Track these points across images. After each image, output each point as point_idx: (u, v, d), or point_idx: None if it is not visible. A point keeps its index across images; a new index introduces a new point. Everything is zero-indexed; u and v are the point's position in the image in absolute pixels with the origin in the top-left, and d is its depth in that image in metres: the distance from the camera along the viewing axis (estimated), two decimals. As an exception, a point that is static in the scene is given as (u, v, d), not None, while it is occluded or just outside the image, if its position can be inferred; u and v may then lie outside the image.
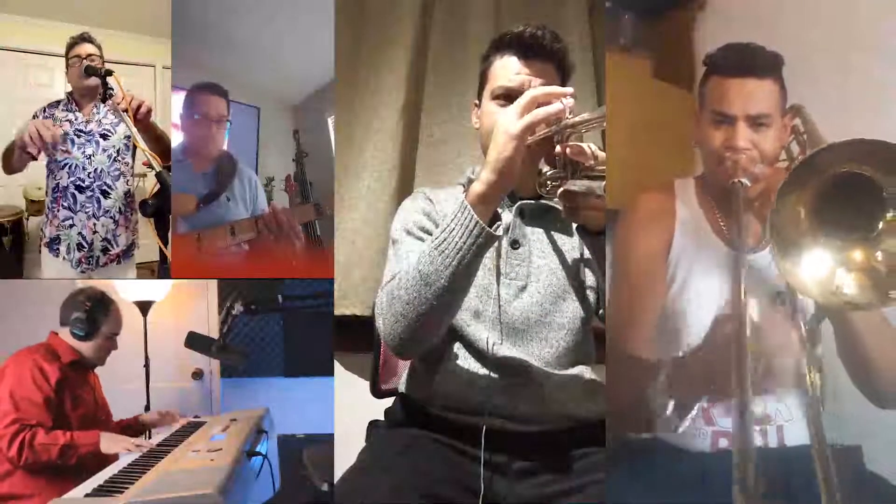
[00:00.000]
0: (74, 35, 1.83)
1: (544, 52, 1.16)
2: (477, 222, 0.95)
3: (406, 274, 1.02)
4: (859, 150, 0.91)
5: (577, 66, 1.26)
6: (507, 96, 1.15)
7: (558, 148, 0.98)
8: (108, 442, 1.52)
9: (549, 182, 1.04)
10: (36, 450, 1.44)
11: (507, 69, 1.17)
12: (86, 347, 1.63)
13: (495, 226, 0.98)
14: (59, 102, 1.85)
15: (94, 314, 1.62)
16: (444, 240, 0.98)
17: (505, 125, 0.94)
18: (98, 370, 1.72)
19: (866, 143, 0.90)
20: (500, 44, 1.19)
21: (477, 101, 1.26)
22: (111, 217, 1.82)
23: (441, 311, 1.02)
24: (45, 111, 1.83)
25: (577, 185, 0.96)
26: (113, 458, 1.50)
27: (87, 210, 1.80)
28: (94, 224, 1.80)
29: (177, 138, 1.59)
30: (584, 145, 0.96)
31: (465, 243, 0.96)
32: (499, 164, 0.94)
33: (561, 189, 0.99)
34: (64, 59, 1.84)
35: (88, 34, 1.83)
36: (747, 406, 0.91)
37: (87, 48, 1.81)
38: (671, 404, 1.10)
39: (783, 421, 1.22)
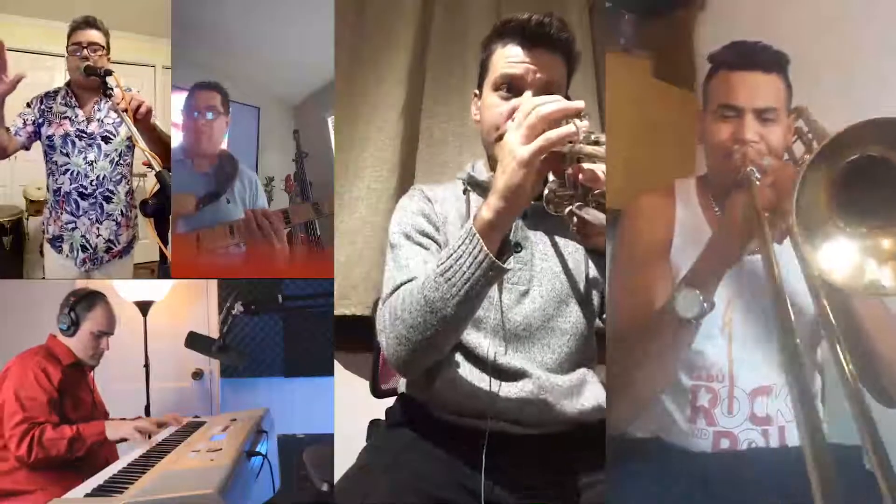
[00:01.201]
0: (77, 17, 1.74)
1: (550, 42, 1.09)
2: (487, 255, 0.91)
3: (410, 296, 0.99)
4: (868, 132, 0.90)
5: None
6: (510, 86, 1.11)
7: (570, 169, 0.91)
8: (113, 429, 1.55)
9: (556, 199, 0.98)
10: (45, 446, 1.45)
11: (510, 58, 1.10)
12: (74, 344, 1.63)
13: (505, 258, 0.93)
14: (56, 93, 1.78)
15: (76, 308, 1.62)
16: (451, 267, 0.93)
17: (513, 150, 0.88)
18: (99, 371, 1.72)
19: (874, 122, 0.89)
20: (502, 31, 1.12)
21: (477, 92, 1.20)
22: (114, 220, 1.81)
23: (445, 337, 1.00)
24: (41, 101, 1.76)
25: (590, 214, 0.91)
26: (114, 456, 1.51)
27: (90, 216, 1.78)
28: (98, 228, 1.80)
29: (177, 138, 1.59)
30: (599, 171, 0.88)
31: (472, 274, 0.92)
32: (508, 192, 0.89)
33: (574, 217, 0.94)
34: (65, 49, 1.75)
35: (93, 17, 1.75)
36: (809, 401, 0.87)
37: (89, 35, 1.73)
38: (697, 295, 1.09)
39: (785, 421, 1.23)
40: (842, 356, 0.96)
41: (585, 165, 0.89)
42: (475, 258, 0.91)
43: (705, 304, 1.10)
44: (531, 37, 1.10)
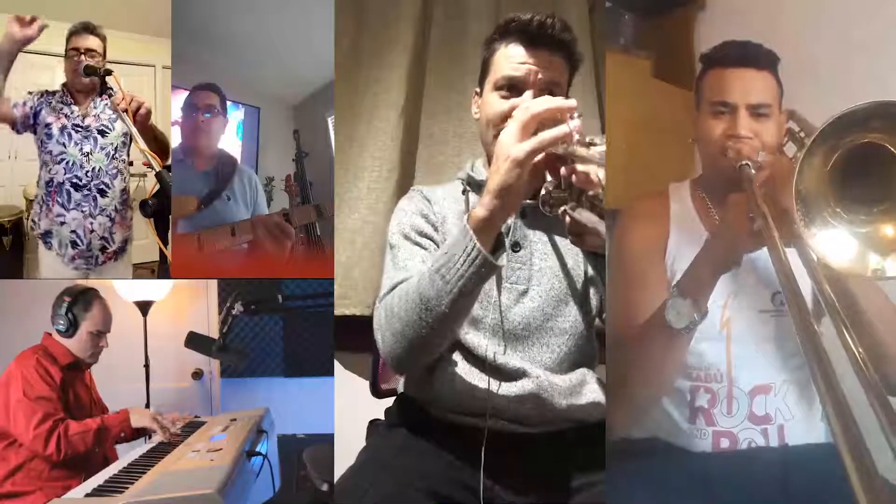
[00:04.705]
0: (77, 24, 1.77)
1: (552, 42, 1.09)
2: (479, 252, 0.90)
3: (405, 294, 0.99)
4: (859, 117, 0.90)
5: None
6: (511, 87, 1.10)
7: (564, 170, 0.90)
8: (137, 416, 1.56)
9: (552, 199, 0.96)
10: (72, 441, 1.44)
11: (512, 58, 1.10)
12: (73, 345, 1.62)
13: (497, 254, 0.93)
14: (54, 93, 1.81)
15: (73, 309, 1.60)
16: (445, 264, 0.93)
17: (507, 149, 0.87)
18: (99, 371, 1.72)
19: (863, 107, 0.89)
20: (505, 30, 1.12)
21: (478, 90, 1.19)
22: (107, 215, 1.81)
23: (440, 334, 0.99)
24: (42, 95, 1.79)
25: (582, 215, 0.91)
26: (114, 456, 1.50)
27: (83, 209, 1.78)
28: (91, 223, 1.79)
29: (177, 138, 1.59)
30: (592, 174, 0.87)
31: (466, 271, 0.92)
32: (502, 191, 0.88)
33: (568, 217, 0.93)
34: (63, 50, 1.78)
35: (92, 24, 1.78)
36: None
37: (88, 41, 1.76)
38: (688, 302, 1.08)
39: (784, 420, 1.23)
40: (849, 340, 0.93)
41: (579, 167, 0.87)
42: (468, 255, 0.91)
43: (696, 315, 1.09)
44: (533, 37, 1.09)
